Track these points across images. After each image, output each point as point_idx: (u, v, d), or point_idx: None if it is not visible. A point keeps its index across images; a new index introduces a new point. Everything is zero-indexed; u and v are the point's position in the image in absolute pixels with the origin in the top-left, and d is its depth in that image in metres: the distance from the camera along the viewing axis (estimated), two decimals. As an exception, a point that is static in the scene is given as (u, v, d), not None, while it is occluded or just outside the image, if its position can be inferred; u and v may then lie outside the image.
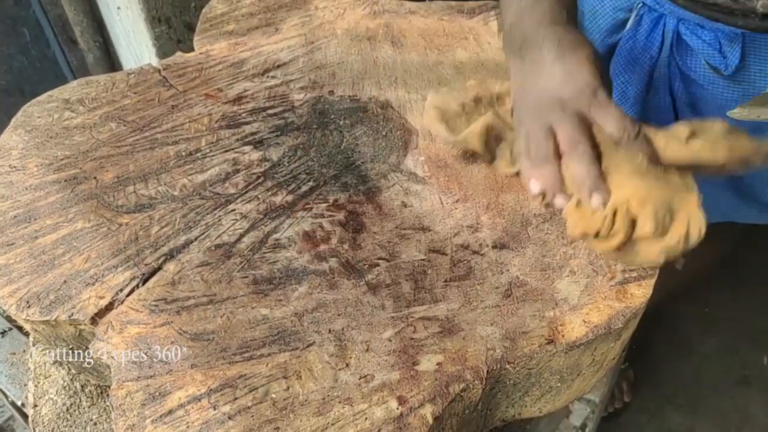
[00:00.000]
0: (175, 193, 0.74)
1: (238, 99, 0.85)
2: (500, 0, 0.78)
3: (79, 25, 1.63)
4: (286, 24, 0.95)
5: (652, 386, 1.72)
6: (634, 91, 0.96)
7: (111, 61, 1.71)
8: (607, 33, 0.98)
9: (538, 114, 0.66)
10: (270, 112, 0.83)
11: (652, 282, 0.66)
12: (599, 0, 0.97)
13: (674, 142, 0.63)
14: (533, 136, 0.65)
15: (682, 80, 0.93)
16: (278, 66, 0.89)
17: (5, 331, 0.84)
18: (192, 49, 0.94)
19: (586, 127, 0.64)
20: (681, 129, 0.64)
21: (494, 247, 0.70)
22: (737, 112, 0.69)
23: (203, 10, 0.97)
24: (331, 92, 0.86)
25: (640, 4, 0.92)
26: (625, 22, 0.95)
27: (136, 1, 1.22)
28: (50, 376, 0.80)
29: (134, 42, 1.41)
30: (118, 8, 1.36)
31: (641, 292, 0.66)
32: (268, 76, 0.88)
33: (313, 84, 0.87)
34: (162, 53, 1.30)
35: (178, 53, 0.91)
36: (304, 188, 0.75)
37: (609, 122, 0.63)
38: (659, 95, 0.96)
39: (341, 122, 0.82)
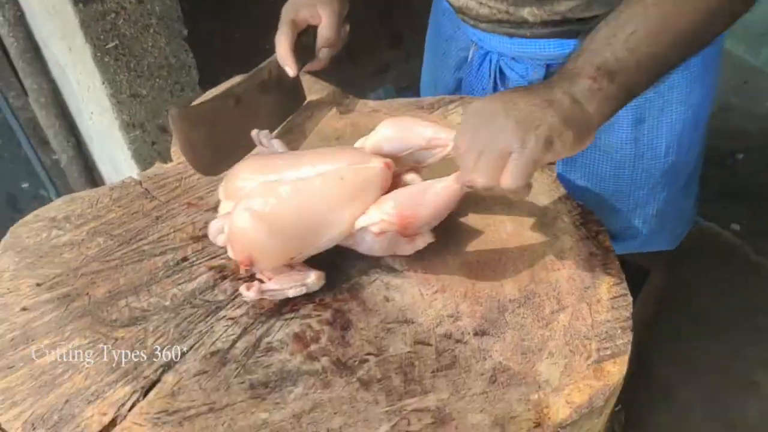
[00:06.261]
0: (167, 304, 0.78)
1: (219, 206, 0.89)
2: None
3: (52, 128, 1.66)
4: (260, 129, 1.00)
5: (636, 437, 1.75)
6: None
7: (84, 160, 1.74)
8: (455, 69, 1.15)
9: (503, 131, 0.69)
10: (252, 216, 0.87)
11: (625, 358, 0.71)
12: (446, 42, 1.14)
13: None
14: (490, 155, 0.69)
15: None
16: (255, 170, 0.94)
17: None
18: (166, 150, 0.98)
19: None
20: None
21: (475, 334, 0.74)
22: None
23: (179, 120, 1.01)
24: (308, 193, 0.90)
25: (473, 44, 1.07)
26: (466, 59, 1.10)
27: (110, 108, 1.27)
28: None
29: (108, 144, 1.45)
30: (92, 113, 1.41)
31: (617, 369, 0.70)
32: (246, 181, 0.92)
33: (290, 186, 0.91)
34: (137, 155, 1.34)
35: (157, 164, 0.95)
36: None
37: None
38: None
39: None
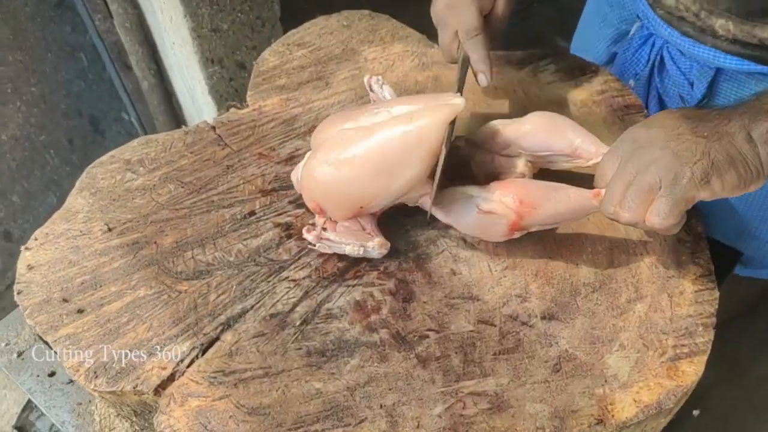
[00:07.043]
0: (231, 259, 0.77)
1: (290, 158, 0.87)
2: None
3: (135, 54, 1.67)
4: (336, 78, 0.97)
5: (703, 409, 1.69)
6: None
7: (165, 88, 1.76)
8: (611, 41, 1.04)
9: (655, 163, 0.63)
10: (321, 172, 0.85)
11: (704, 359, 0.67)
12: (610, 8, 1.02)
13: None
14: (638, 189, 0.63)
15: (658, 101, 0.97)
16: (329, 122, 0.91)
17: (72, 381, 0.88)
18: (243, 87, 0.96)
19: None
20: None
21: (543, 318, 0.71)
22: None
23: (255, 64, 0.99)
24: (381, 150, 0.87)
25: (638, 20, 0.96)
26: (627, 33, 1.00)
27: (190, 42, 1.26)
28: (115, 428, 0.84)
29: (187, 76, 1.45)
30: (173, 43, 1.40)
31: (693, 370, 0.66)
32: (319, 133, 0.90)
33: (363, 141, 0.88)
34: (214, 91, 1.34)
35: (232, 110, 0.94)
36: (355, 254, 0.77)
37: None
38: None
39: (391, 183, 0.83)
